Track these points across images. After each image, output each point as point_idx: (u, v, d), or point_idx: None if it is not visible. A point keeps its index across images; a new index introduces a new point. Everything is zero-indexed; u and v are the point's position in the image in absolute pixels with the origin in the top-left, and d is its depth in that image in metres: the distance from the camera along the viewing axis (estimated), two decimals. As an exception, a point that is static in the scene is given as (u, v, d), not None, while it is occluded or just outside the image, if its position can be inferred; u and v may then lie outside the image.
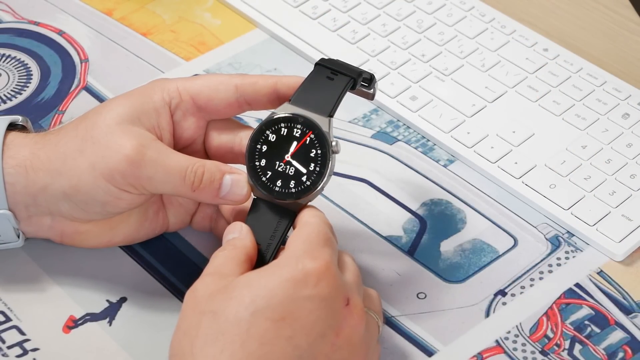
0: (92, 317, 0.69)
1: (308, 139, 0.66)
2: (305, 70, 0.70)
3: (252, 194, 0.67)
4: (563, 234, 0.75)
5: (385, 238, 0.74)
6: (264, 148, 0.66)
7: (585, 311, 0.70)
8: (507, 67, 0.85)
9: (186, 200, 0.72)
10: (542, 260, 0.73)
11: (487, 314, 0.70)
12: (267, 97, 0.69)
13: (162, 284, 0.71)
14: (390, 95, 0.83)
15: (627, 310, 0.71)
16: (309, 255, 0.60)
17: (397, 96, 0.83)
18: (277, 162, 0.66)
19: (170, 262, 0.72)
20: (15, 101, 0.83)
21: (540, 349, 0.68)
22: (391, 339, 0.68)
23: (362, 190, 0.78)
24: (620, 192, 0.76)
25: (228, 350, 0.57)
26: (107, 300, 0.70)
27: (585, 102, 0.82)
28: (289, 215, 0.66)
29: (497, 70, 0.85)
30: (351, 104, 0.82)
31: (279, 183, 0.66)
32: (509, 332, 0.69)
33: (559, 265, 0.73)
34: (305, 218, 0.64)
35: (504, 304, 0.71)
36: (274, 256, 0.65)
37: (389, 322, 0.69)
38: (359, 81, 0.69)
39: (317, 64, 0.69)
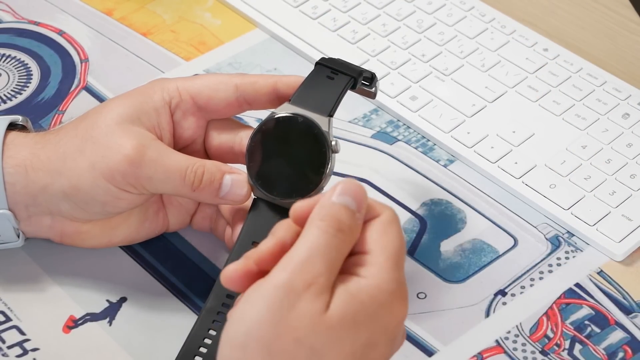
0: (92, 317, 0.69)
1: (308, 138, 0.66)
2: (305, 70, 0.70)
3: (252, 193, 0.67)
4: (563, 234, 0.75)
5: (385, 238, 0.74)
6: (264, 148, 0.66)
7: (585, 311, 0.70)
8: (507, 67, 0.85)
9: (186, 200, 0.72)
10: (542, 260, 0.73)
11: (487, 314, 0.70)
12: (267, 97, 0.69)
13: (162, 284, 0.71)
14: (390, 95, 0.83)
15: (627, 310, 0.71)
16: (401, 296, 0.56)
17: (397, 96, 0.83)
18: (277, 162, 0.66)
19: (170, 262, 0.72)
20: (15, 101, 0.83)
21: (540, 349, 0.68)
22: (391, 338, 0.68)
23: (362, 190, 0.77)
24: (620, 192, 0.76)
25: None
26: (107, 300, 0.70)
27: (585, 102, 0.82)
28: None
29: (497, 70, 0.85)
30: (351, 104, 0.82)
31: (278, 183, 0.66)
32: (509, 332, 0.69)
33: (559, 265, 0.73)
34: (387, 217, 0.57)
35: (504, 304, 0.71)
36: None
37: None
38: (360, 80, 0.69)
39: (317, 64, 0.69)
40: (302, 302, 0.52)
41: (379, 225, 0.57)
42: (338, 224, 0.55)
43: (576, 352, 0.68)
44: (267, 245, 0.55)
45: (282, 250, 0.55)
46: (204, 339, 0.63)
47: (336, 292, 0.54)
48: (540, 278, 0.72)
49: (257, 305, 0.52)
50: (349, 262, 0.56)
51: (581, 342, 0.69)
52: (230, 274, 0.55)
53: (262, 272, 0.55)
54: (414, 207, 0.76)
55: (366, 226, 0.57)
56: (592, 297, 0.71)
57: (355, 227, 0.56)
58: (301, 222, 0.56)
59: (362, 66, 0.77)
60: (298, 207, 0.56)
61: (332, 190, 0.56)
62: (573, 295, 0.71)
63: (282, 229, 0.56)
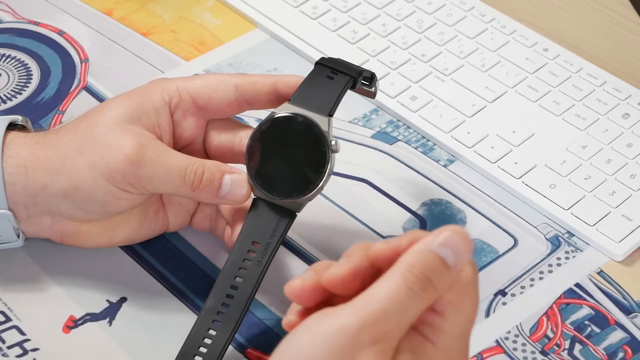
0: (92, 317, 0.69)
1: (307, 138, 0.66)
2: (305, 70, 0.70)
3: (252, 193, 0.67)
4: (563, 234, 0.75)
5: (385, 238, 0.74)
6: (264, 147, 0.66)
7: (585, 311, 0.70)
8: (507, 67, 0.85)
9: (186, 200, 0.72)
10: (542, 260, 0.73)
11: (487, 314, 0.70)
12: (267, 97, 0.69)
13: (162, 284, 0.71)
14: (390, 95, 0.83)
15: (627, 310, 0.71)
16: None
17: (397, 96, 0.83)
18: (277, 162, 0.66)
19: (170, 262, 0.72)
20: (15, 101, 0.83)
21: (540, 349, 0.68)
22: (391, 338, 0.68)
23: (362, 190, 0.77)
24: (620, 192, 0.76)
25: None
26: (107, 300, 0.70)
27: (585, 102, 0.82)
28: (289, 215, 0.66)
29: (497, 70, 0.85)
30: (351, 104, 0.82)
31: (278, 182, 0.66)
32: (509, 332, 0.69)
33: (559, 265, 0.73)
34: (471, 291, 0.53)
35: (504, 304, 0.71)
36: (273, 255, 0.65)
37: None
38: (359, 80, 0.69)
39: (317, 63, 0.69)
40: (364, 355, 0.49)
41: (459, 284, 0.52)
42: (426, 283, 0.50)
43: (576, 352, 0.68)
44: (341, 270, 0.52)
45: (355, 278, 0.53)
46: (203, 339, 0.63)
47: (400, 353, 0.51)
48: (540, 278, 0.72)
49: (318, 342, 0.50)
50: (419, 317, 0.52)
51: (581, 342, 0.69)
52: (296, 289, 0.53)
53: (328, 291, 0.53)
54: (414, 207, 0.76)
55: None
56: (592, 297, 0.71)
57: (444, 287, 0.51)
58: (381, 264, 0.53)
59: (362, 66, 0.77)
60: (380, 249, 0.53)
61: (435, 235, 0.51)
62: (573, 295, 0.71)
63: (358, 256, 0.53)
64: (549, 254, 0.74)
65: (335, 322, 0.50)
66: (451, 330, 0.52)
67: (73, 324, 0.69)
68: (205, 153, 0.71)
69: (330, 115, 0.66)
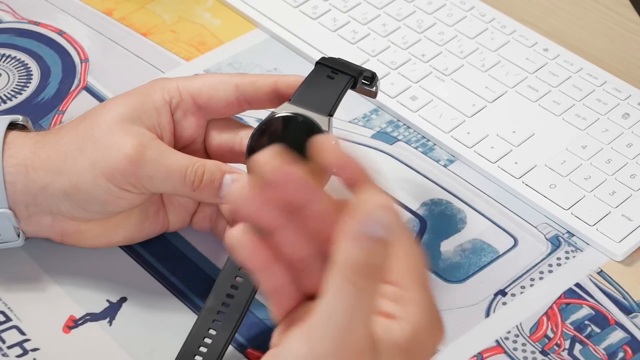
0: (92, 317, 0.69)
1: (307, 138, 0.65)
2: (305, 70, 0.70)
3: (252, 193, 0.67)
4: (563, 234, 0.75)
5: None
6: (264, 147, 0.66)
7: (585, 311, 0.70)
8: (507, 67, 0.85)
9: (186, 200, 0.72)
10: (542, 260, 0.73)
11: (487, 314, 0.70)
12: (267, 96, 0.69)
13: (162, 284, 0.71)
14: (390, 95, 0.83)
15: (627, 310, 0.71)
16: (438, 324, 0.50)
17: (397, 96, 0.83)
18: (277, 162, 0.66)
19: (170, 262, 0.72)
20: (15, 101, 0.83)
21: (540, 349, 0.68)
22: (391, 338, 0.68)
23: (362, 190, 0.77)
24: (620, 192, 0.76)
25: None
26: (107, 300, 0.70)
27: (585, 102, 0.82)
28: (289, 215, 0.66)
29: (497, 70, 0.85)
30: (351, 103, 0.82)
31: (279, 182, 0.66)
32: (509, 332, 0.69)
33: (559, 265, 0.73)
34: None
35: (504, 304, 0.71)
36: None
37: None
38: (360, 80, 0.69)
39: (317, 63, 0.69)
40: None
41: (398, 245, 0.49)
42: (371, 270, 0.46)
43: (576, 352, 0.68)
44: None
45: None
46: (204, 339, 0.64)
47: (381, 351, 0.48)
48: (541, 278, 0.72)
49: None
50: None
51: (581, 342, 0.69)
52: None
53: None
54: (414, 207, 0.76)
55: None
56: (592, 297, 0.71)
57: (384, 260, 0.47)
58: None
59: (362, 66, 0.76)
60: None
61: (359, 218, 0.47)
62: (573, 295, 0.71)
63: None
64: (549, 254, 0.74)
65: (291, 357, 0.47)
66: (415, 298, 0.49)
67: (73, 324, 0.69)
68: (206, 153, 0.71)
69: (331, 115, 0.66)
